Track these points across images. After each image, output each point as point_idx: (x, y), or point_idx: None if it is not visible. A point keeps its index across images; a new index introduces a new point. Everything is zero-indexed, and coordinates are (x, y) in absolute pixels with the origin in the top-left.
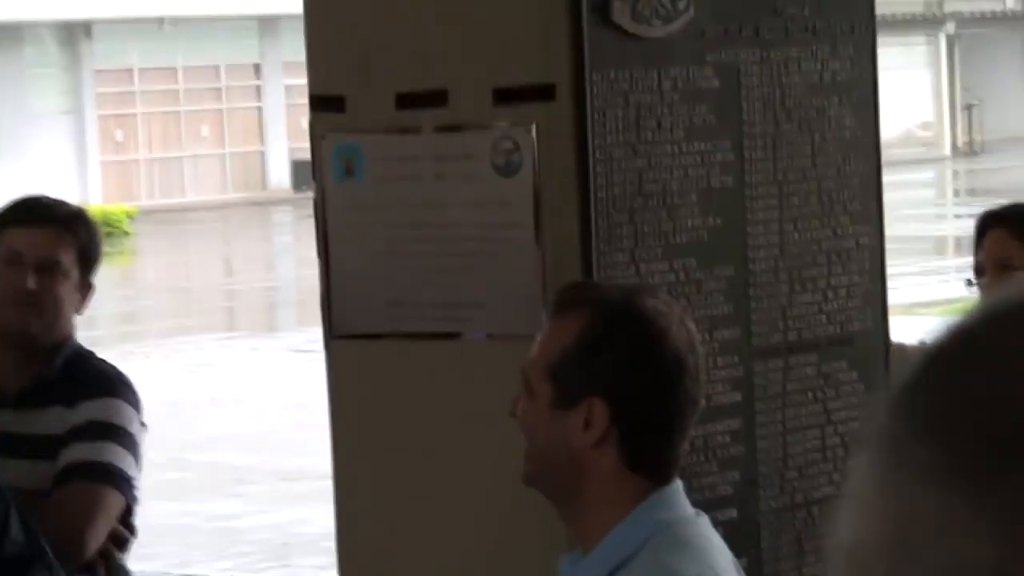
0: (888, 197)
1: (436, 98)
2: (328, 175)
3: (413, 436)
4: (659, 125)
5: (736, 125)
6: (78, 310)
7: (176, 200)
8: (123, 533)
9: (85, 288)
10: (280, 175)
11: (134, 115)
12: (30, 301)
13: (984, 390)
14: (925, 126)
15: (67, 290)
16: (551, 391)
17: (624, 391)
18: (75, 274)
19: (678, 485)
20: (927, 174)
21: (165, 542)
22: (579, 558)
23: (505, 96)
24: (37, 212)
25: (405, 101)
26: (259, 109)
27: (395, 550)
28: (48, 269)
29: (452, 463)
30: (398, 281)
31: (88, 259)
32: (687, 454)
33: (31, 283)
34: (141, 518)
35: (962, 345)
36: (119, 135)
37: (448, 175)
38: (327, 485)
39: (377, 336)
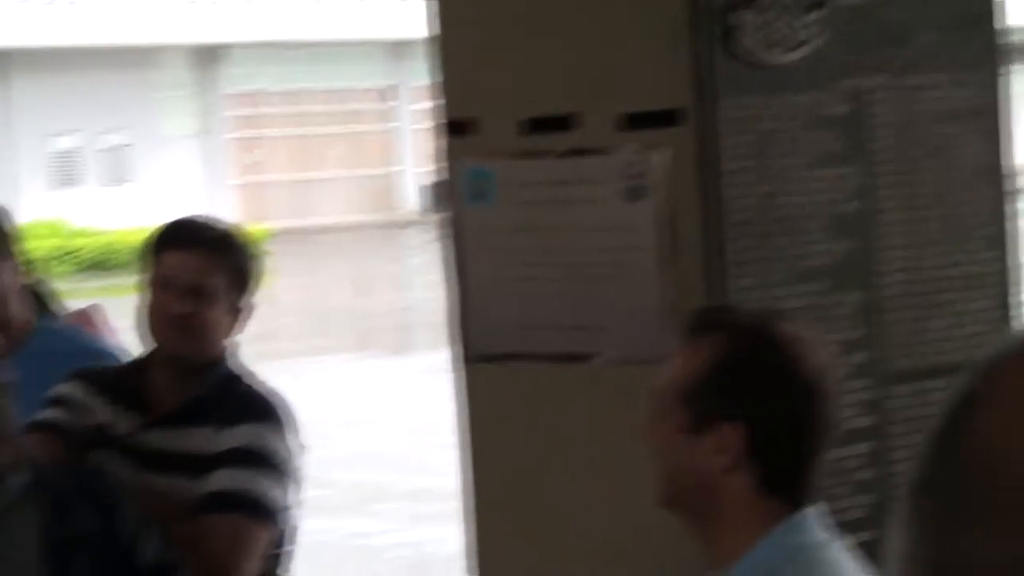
0: (1020, 224)
1: (564, 123)
2: (460, 199)
3: (546, 455)
4: (786, 151)
5: (864, 151)
6: (231, 332)
7: (308, 221)
8: (265, 569)
9: (239, 310)
10: (408, 197)
11: (267, 137)
12: (180, 325)
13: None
14: None
15: (217, 313)
16: (685, 415)
17: (760, 416)
18: (226, 297)
19: (814, 509)
20: None
21: (302, 560)
22: None
23: (632, 121)
24: (187, 236)
25: (535, 125)
26: (388, 132)
27: (532, 569)
28: (198, 293)
29: (585, 482)
30: (529, 304)
31: (243, 281)
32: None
33: (181, 307)
34: None
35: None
36: (251, 157)
37: (575, 200)
38: (459, 504)
39: (509, 357)
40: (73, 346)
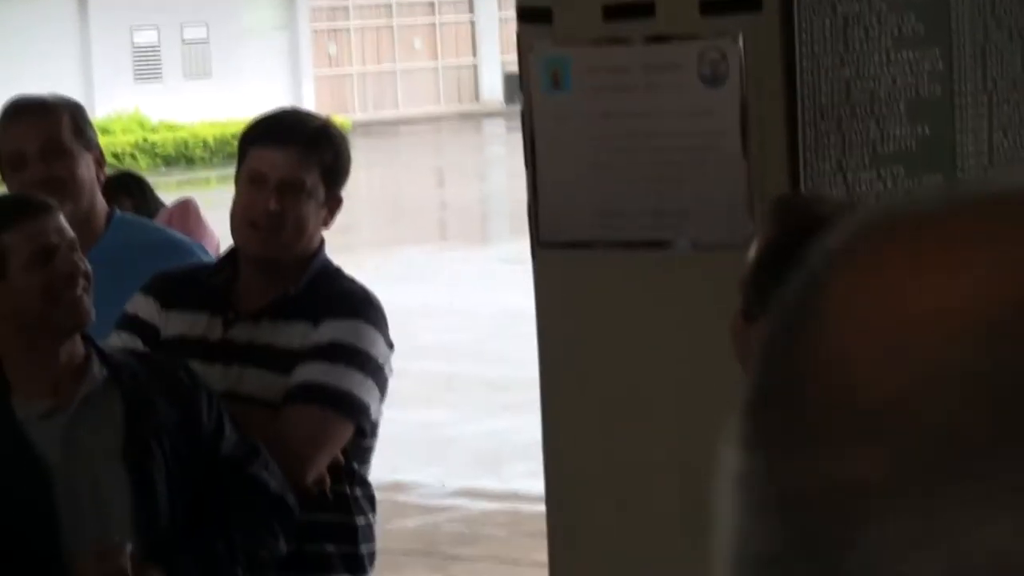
0: None
1: (644, 9)
2: (536, 87)
3: (620, 343)
4: (867, 34)
5: (945, 34)
6: (325, 225)
7: (389, 113)
8: (339, 460)
9: (332, 203)
10: (492, 88)
11: (347, 30)
12: (271, 224)
13: None
14: None
15: (310, 209)
16: (741, 303)
17: None
18: (320, 192)
19: None
20: None
21: (378, 450)
22: None
23: (712, 6)
24: (281, 131)
25: (613, 12)
26: (472, 22)
27: (601, 459)
28: (291, 190)
29: (658, 371)
30: (605, 190)
31: (334, 175)
32: None
33: (273, 205)
34: None
35: None
36: (332, 50)
37: (655, 86)
38: (536, 394)
39: (585, 245)
40: (151, 238)
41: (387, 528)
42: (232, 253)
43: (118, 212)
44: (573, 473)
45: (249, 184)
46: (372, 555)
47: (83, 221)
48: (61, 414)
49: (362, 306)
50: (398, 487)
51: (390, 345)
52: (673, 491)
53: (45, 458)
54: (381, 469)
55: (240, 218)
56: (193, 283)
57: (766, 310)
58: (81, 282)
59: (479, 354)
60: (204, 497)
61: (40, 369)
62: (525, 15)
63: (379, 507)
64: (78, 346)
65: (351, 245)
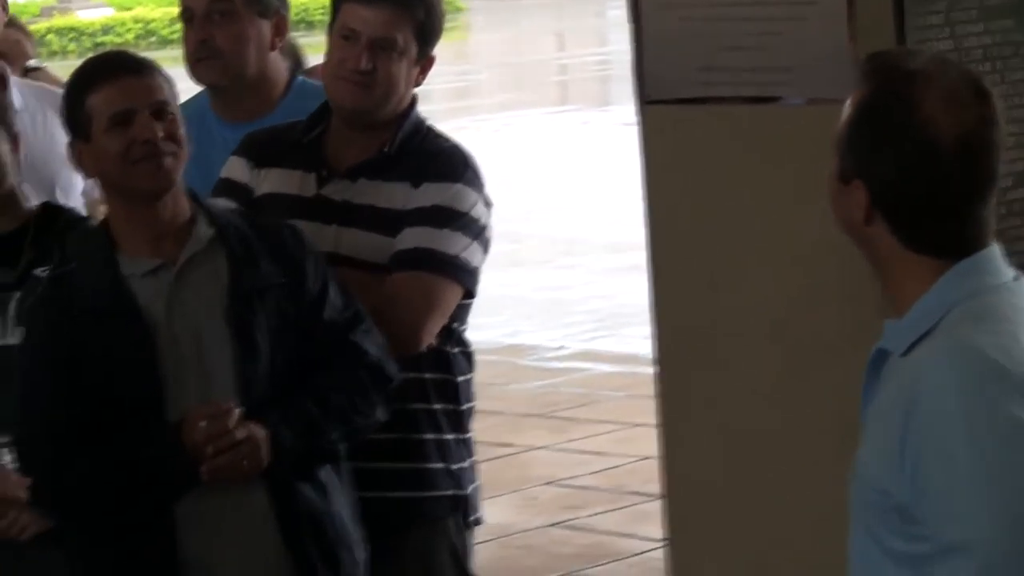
0: None
1: None
2: None
3: (728, 201)
4: None
5: None
6: (416, 83)
7: None
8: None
9: (424, 62)
10: None
11: None
12: (363, 80)
13: None
14: None
15: (402, 68)
16: (835, 165)
17: (878, 174)
18: (412, 50)
19: (989, 252)
20: None
21: (496, 312)
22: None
23: None
24: None
25: None
26: None
27: (711, 317)
28: (383, 48)
29: (768, 227)
30: (710, 46)
31: (427, 34)
32: (1003, 218)
33: (365, 62)
34: None
35: None
36: None
37: None
38: None
39: (691, 101)
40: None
41: (506, 390)
42: (324, 109)
43: (299, 78)
44: (681, 334)
45: (342, 40)
46: (471, 411)
47: (252, 86)
48: (166, 271)
49: (461, 168)
50: (517, 350)
51: (488, 204)
52: (776, 355)
53: (149, 313)
54: (501, 332)
55: (332, 74)
56: (285, 140)
57: (857, 172)
58: (163, 147)
59: (597, 216)
60: (304, 359)
61: (141, 227)
62: None
63: (499, 368)
64: (182, 206)
65: (470, 108)
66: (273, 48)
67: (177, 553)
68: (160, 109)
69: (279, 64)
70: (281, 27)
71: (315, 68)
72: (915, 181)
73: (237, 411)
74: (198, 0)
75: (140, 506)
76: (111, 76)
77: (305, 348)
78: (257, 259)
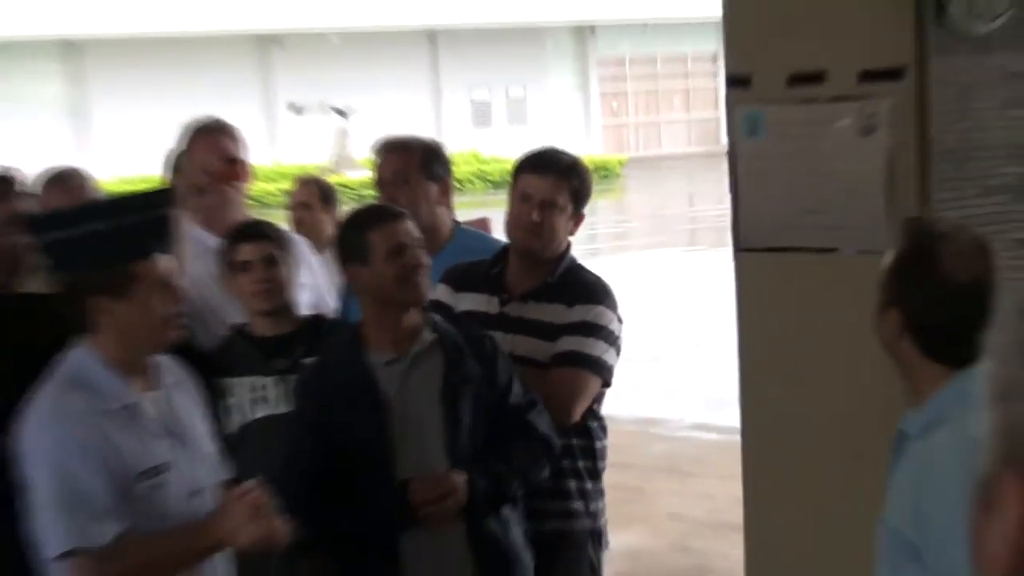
0: None
1: (817, 77)
2: (738, 133)
3: (804, 324)
4: (982, 98)
5: None
6: (571, 233)
7: (655, 152)
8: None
9: (577, 217)
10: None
11: (625, 92)
12: (534, 230)
13: None
14: None
15: (562, 221)
16: (878, 297)
17: (911, 305)
18: (569, 208)
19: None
20: None
21: (635, 394)
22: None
23: (867, 76)
24: (544, 163)
25: (794, 80)
26: (715, 88)
27: (797, 445)
28: (549, 206)
29: (831, 343)
30: (788, 209)
31: (580, 197)
32: None
33: (536, 216)
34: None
35: None
36: (614, 105)
37: (825, 134)
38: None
39: (775, 250)
40: (483, 244)
41: (641, 451)
42: (504, 250)
43: (461, 226)
44: (764, 427)
45: (520, 201)
46: (603, 468)
47: (425, 232)
48: (399, 363)
49: (602, 294)
50: (650, 422)
51: (620, 320)
52: (845, 449)
53: (386, 394)
54: (638, 409)
55: (512, 225)
56: (476, 272)
57: (894, 303)
58: (422, 271)
59: (719, 325)
60: (494, 432)
61: (388, 330)
62: (732, 81)
63: (634, 437)
64: (416, 315)
65: (625, 248)
66: (440, 204)
67: (399, 567)
68: (419, 244)
69: (444, 215)
70: (445, 188)
71: (479, 221)
72: (937, 311)
73: (447, 474)
74: (385, 170)
75: (378, 536)
76: (386, 218)
77: (495, 423)
78: (464, 358)
